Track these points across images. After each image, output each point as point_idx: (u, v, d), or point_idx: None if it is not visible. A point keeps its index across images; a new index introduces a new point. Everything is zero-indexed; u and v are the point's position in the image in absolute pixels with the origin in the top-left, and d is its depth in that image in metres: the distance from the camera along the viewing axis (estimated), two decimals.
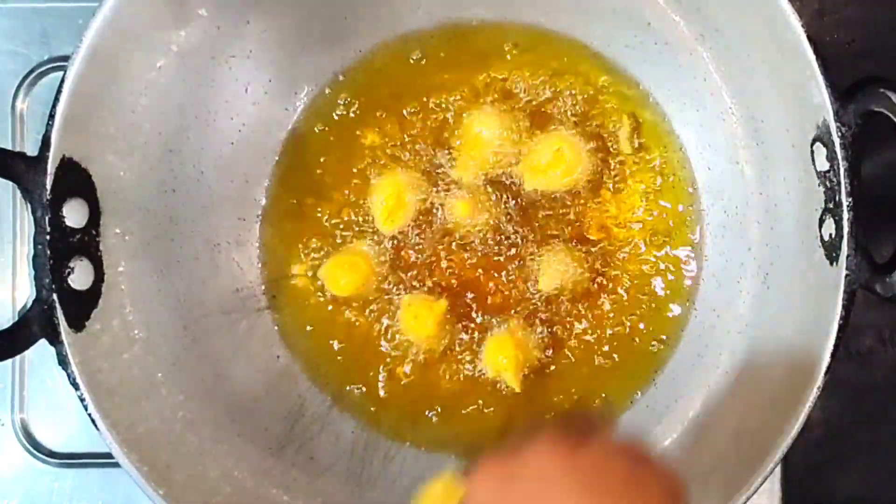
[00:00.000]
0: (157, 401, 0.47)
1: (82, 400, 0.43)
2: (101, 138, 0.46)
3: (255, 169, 0.55)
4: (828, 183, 0.44)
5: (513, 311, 0.55)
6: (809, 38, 0.42)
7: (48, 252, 0.43)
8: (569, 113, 0.55)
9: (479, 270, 0.55)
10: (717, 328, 0.53)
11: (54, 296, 0.43)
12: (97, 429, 0.43)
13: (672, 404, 0.53)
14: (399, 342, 0.55)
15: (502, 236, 0.55)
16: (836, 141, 0.42)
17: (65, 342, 0.43)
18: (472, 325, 0.55)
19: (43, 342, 0.43)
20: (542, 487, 0.39)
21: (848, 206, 0.42)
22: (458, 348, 0.55)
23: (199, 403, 0.50)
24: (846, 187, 0.42)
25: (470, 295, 0.55)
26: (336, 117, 0.56)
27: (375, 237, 0.55)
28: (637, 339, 0.55)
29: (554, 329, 0.54)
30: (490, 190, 0.55)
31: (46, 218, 0.43)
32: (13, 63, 0.60)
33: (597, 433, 0.44)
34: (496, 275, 0.55)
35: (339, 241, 0.55)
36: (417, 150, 0.55)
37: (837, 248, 0.43)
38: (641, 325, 0.55)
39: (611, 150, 0.55)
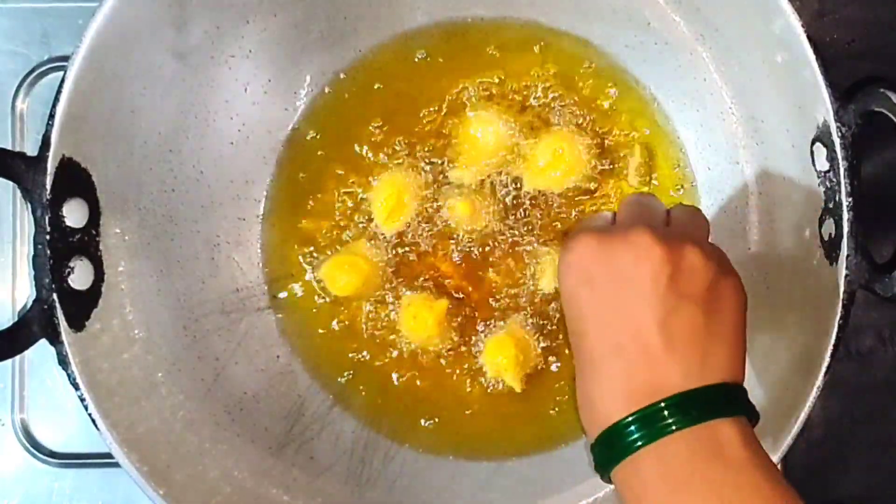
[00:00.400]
0: (157, 401, 0.47)
1: (82, 400, 0.43)
2: (101, 138, 0.46)
3: (255, 169, 0.55)
4: (828, 183, 0.44)
5: (513, 312, 0.55)
6: (809, 38, 0.42)
7: (48, 252, 0.43)
8: (568, 113, 0.55)
9: (480, 270, 0.55)
10: None
11: (54, 296, 0.43)
12: (97, 429, 0.43)
13: None
14: (399, 342, 0.55)
15: (502, 236, 0.55)
16: (836, 141, 0.42)
17: (65, 342, 0.43)
18: (473, 325, 0.55)
19: (43, 342, 0.43)
20: (637, 272, 0.40)
21: (848, 206, 0.42)
22: (458, 348, 0.55)
23: (199, 403, 0.50)
24: (846, 187, 0.42)
25: (470, 295, 0.55)
26: (336, 117, 0.56)
27: (375, 237, 0.55)
28: None
29: (554, 329, 0.54)
30: (490, 190, 0.55)
31: (46, 218, 0.43)
32: (13, 63, 0.60)
33: (697, 232, 0.46)
34: (496, 275, 0.55)
35: (339, 241, 0.55)
36: (418, 150, 0.55)
37: (837, 248, 0.43)
38: None
39: (611, 150, 0.55)
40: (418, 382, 0.55)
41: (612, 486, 0.52)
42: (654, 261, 0.40)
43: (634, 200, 0.48)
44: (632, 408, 0.39)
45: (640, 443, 0.38)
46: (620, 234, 0.42)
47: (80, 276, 0.44)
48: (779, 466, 0.45)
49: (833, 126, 0.42)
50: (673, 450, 0.38)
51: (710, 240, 0.46)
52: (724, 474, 0.37)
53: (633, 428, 0.39)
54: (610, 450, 0.39)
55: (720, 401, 0.39)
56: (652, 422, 0.38)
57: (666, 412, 0.38)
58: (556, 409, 0.54)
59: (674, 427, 0.38)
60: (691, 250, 0.41)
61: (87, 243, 0.45)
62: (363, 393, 0.55)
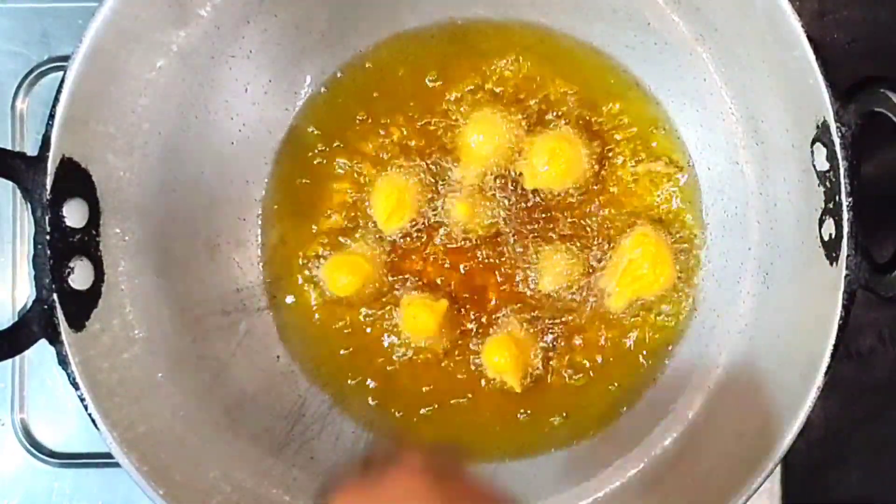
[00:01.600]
0: (157, 401, 0.47)
1: (82, 400, 0.43)
2: (101, 138, 0.46)
3: (255, 169, 0.55)
4: (828, 183, 0.44)
5: (513, 312, 0.54)
6: (809, 38, 0.42)
7: (48, 252, 0.43)
8: (569, 112, 0.55)
9: (479, 270, 0.55)
10: (717, 328, 0.53)
11: (54, 296, 0.43)
12: (97, 429, 0.43)
13: (672, 404, 0.53)
14: (399, 342, 0.55)
15: (502, 236, 0.55)
16: (836, 141, 0.42)
17: (65, 342, 0.43)
18: (472, 326, 0.55)
19: (43, 342, 0.43)
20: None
21: (848, 206, 0.42)
22: (458, 348, 0.55)
23: (199, 403, 0.50)
24: (846, 187, 0.42)
25: (470, 295, 0.55)
26: (336, 117, 0.56)
27: (376, 237, 0.55)
28: (637, 339, 0.55)
29: (554, 329, 0.54)
30: (490, 190, 0.55)
31: (46, 218, 0.43)
32: (13, 63, 0.60)
33: (456, 472, 0.46)
34: (496, 275, 0.55)
35: (339, 241, 0.55)
36: (418, 150, 0.55)
37: (837, 248, 0.43)
38: (642, 324, 0.55)
39: (610, 150, 0.55)
40: (418, 383, 0.55)
41: (612, 486, 0.52)
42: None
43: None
44: None
45: None
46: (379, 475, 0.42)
47: (80, 276, 0.44)
48: (779, 466, 0.45)
49: (833, 126, 0.42)
50: None
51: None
52: None
53: None
54: None
55: None
56: None
57: None
58: (556, 409, 0.54)
59: None
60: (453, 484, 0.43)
61: (87, 243, 0.45)
62: (363, 393, 0.55)
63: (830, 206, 0.44)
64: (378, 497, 0.41)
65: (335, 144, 0.56)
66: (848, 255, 0.42)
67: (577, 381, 0.54)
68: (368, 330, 0.55)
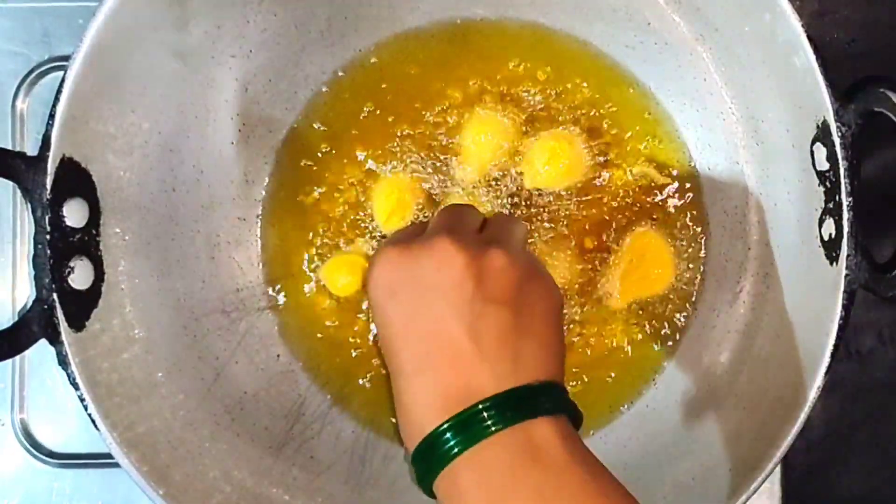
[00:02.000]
0: (157, 401, 0.47)
1: (82, 400, 0.43)
2: (101, 138, 0.46)
3: (255, 169, 0.55)
4: (828, 183, 0.44)
5: None
6: (809, 38, 0.42)
7: (48, 252, 0.43)
8: (569, 112, 0.55)
9: None
10: (717, 328, 0.53)
11: (54, 296, 0.43)
12: (97, 429, 0.43)
13: (672, 404, 0.53)
14: None
15: None
16: (836, 141, 0.42)
17: (65, 342, 0.43)
18: None
19: (43, 342, 0.43)
20: (440, 279, 0.40)
21: (848, 206, 0.42)
22: None
23: (199, 403, 0.50)
24: (846, 187, 0.42)
25: None
26: (336, 117, 0.56)
27: (376, 237, 0.55)
28: (638, 339, 0.55)
29: None
30: (490, 190, 0.55)
31: (46, 218, 0.43)
32: (13, 63, 0.60)
33: (505, 237, 0.45)
34: None
35: (339, 241, 0.55)
36: (418, 150, 0.55)
37: (837, 248, 0.43)
38: (642, 325, 0.55)
39: (610, 150, 0.55)
40: None
41: None
42: (457, 267, 0.40)
43: (447, 210, 0.48)
44: (445, 415, 0.38)
45: (456, 449, 0.37)
46: (422, 244, 0.42)
47: (80, 275, 0.44)
48: (778, 466, 0.45)
49: (833, 126, 0.42)
50: (489, 456, 0.36)
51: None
52: (544, 477, 0.36)
53: (448, 435, 0.37)
54: (428, 461, 0.38)
55: (534, 400, 0.38)
56: (467, 426, 0.37)
57: (482, 414, 0.37)
58: None
59: (492, 429, 0.37)
60: (495, 254, 0.41)
61: (87, 243, 0.45)
62: (363, 392, 0.55)
63: (830, 206, 0.44)
64: (419, 257, 0.41)
65: (335, 144, 0.56)
66: (848, 255, 0.42)
67: (573, 388, 0.54)
68: (369, 330, 0.55)
